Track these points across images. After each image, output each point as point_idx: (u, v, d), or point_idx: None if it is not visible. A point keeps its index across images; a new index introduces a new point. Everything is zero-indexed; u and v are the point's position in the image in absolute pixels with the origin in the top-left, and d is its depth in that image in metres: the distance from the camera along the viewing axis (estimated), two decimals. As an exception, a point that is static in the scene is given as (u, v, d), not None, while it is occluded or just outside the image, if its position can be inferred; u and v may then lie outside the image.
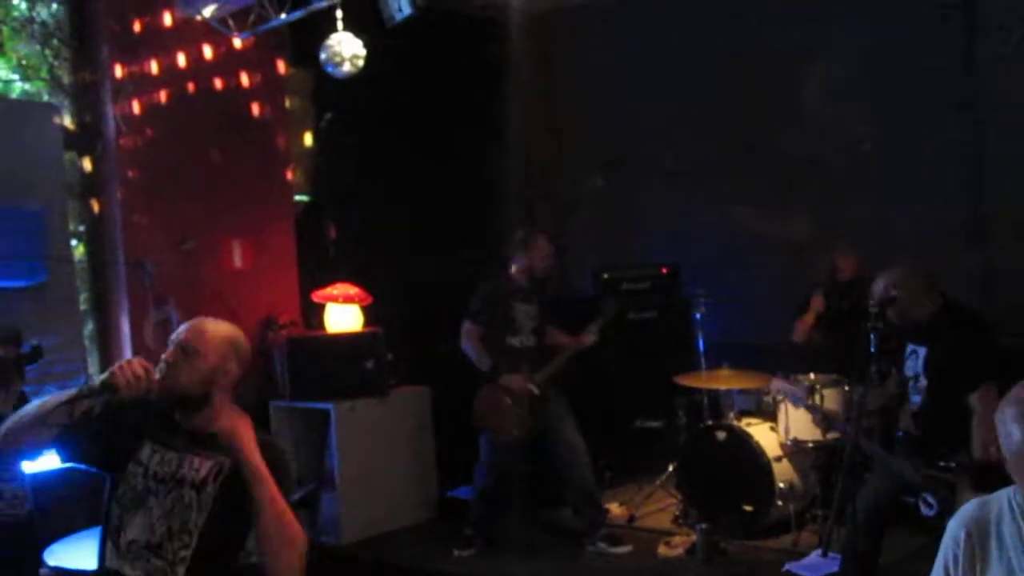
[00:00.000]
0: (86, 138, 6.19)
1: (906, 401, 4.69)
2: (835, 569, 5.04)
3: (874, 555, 4.52)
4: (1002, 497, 2.34)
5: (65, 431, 2.93)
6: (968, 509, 2.40)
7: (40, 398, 3.01)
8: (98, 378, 2.99)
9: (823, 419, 5.36)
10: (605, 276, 7.86)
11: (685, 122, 7.97)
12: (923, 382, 4.50)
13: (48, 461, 5.17)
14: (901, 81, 6.90)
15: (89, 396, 2.88)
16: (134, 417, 3.07)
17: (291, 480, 3.36)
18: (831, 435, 5.83)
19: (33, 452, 3.05)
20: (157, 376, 2.92)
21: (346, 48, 5.89)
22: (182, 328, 3.09)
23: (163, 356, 3.02)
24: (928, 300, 4.50)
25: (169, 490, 2.99)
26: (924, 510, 4.20)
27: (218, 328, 3.12)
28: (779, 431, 6.06)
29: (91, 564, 4.38)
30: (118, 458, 3.04)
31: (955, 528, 2.38)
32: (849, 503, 4.50)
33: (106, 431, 3.03)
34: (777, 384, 5.32)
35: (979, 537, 2.33)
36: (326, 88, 6.97)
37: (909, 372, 4.58)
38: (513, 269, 6.04)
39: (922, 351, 4.51)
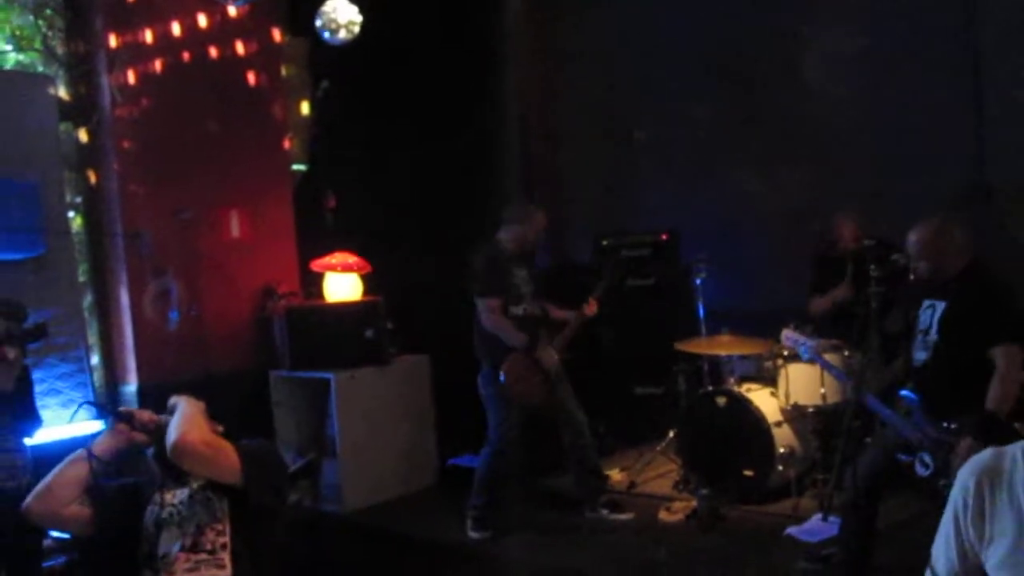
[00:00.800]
0: (81, 109, 6.16)
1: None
2: (835, 532, 5.06)
3: (873, 518, 4.52)
4: (1016, 450, 2.34)
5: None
6: (981, 459, 2.39)
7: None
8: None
9: (833, 372, 5.32)
10: (604, 243, 7.85)
11: (685, 89, 7.93)
12: (933, 337, 4.38)
13: (48, 434, 5.21)
14: (900, 47, 6.85)
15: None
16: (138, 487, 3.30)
17: (274, 473, 3.43)
18: (831, 400, 5.84)
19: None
20: None
21: (342, 14, 5.86)
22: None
23: None
24: (963, 255, 4.39)
25: (189, 504, 3.17)
26: (920, 469, 4.16)
27: None
28: (779, 396, 6.07)
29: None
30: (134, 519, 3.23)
31: (966, 477, 2.37)
32: (849, 467, 4.50)
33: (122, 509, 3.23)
34: (788, 334, 5.26)
35: (990, 487, 2.32)
36: (322, 56, 6.93)
37: (921, 325, 4.46)
38: (505, 236, 5.91)
39: (941, 305, 4.39)
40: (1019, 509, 2.26)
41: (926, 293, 4.49)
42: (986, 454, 2.40)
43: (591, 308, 6.03)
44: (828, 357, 5.72)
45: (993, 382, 4.10)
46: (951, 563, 2.41)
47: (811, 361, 5.31)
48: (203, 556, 3.09)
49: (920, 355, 4.47)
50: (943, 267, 4.39)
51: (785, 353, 6.02)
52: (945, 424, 4.13)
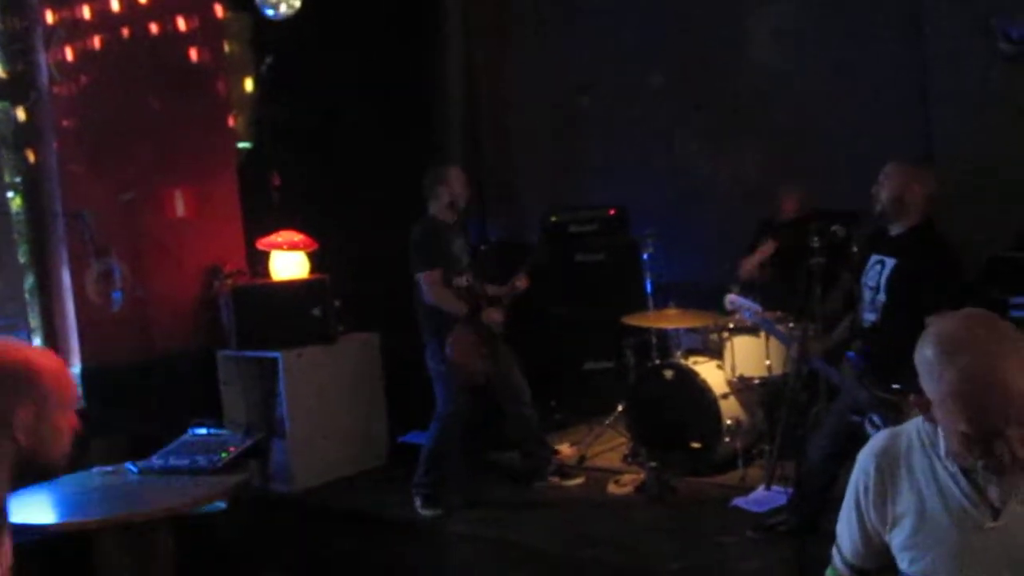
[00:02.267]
0: (18, 87, 6.02)
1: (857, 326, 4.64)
2: (781, 502, 5.14)
3: (829, 486, 4.54)
4: (910, 429, 2.33)
5: None
6: (878, 441, 2.39)
7: None
8: None
9: (776, 335, 5.36)
10: (552, 219, 7.86)
11: (634, 63, 7.95)
12: (881, 297, 4.40)
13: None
14: (848, 21, 6.92)
15: None
16: None
17: None
18: (777, 371, 5.91)
19: None
20: None
21: (283, -10, 5.80)
22: None
23: None
24: (925, 205, 4.40)
25: None
26: (870, 430, 4.18)
27: None
28: (726, 368, 6.13)
29: (38, 518, 4.38)
30: None
31: (865, 460, 2.37)
32: (798, 439, 4.54)
33: None
34: (732, 297, 5.31)
35: (889, 468, 2.32)
36: (266, 32, 6.85)
37: (870, 283, 4.47)
38: (436, 208, 5.90)
39: (890, 263, 4.40)
40: (919, 490, 2.27)
41: (874, 247, 4.49)
42: (882, 436, 2.41)
43: (523, 282, 6.03)
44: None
45: None
46: (855, 545, 2.43)
47: (755, 324, 5.36)
48: None
49: (869, 316, 4.49)
50: (903, 205, 4.38)
51: (731, 325, 6.09)
52: (895, 385, 4.15)
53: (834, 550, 2.50)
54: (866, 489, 2.35)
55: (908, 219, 4.41)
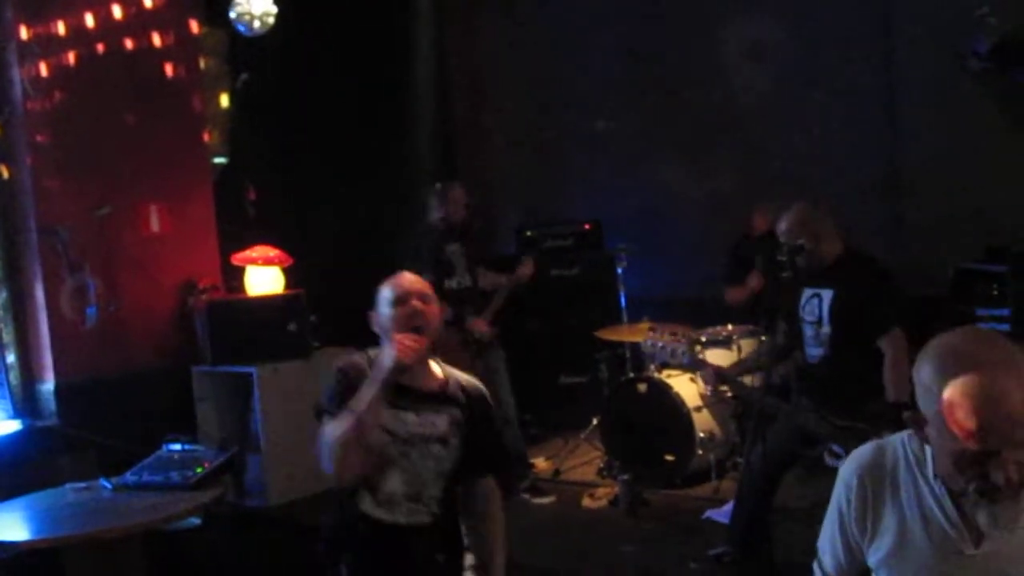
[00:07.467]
0: (-8, 103, 6.03)
1: (796, 351, 4.57)
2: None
3: (764, 507, 4.51)
4: (896, 443, 2.29)
5: None
6: (862, 454, 2.35)
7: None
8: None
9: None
10: (528, 233, 7.91)
11: (606, 80, 8.01)
12: (826, 329, 4.34)
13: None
14: (819, 38, 7.00)
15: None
16: None
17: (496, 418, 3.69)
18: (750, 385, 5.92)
19: None
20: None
21: (256, 6, 5.86)
22: (404, 282, 3.30)
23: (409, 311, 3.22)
24: (836, 239, 4.39)
25: (417, 449, 3.25)
26: (830, 461, 4.09)
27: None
28: (699, 382, 6.16)
29: (10, 535, 4.37)
30: None
31: (848, 473, 2.33)
32: (750, 454, 4.56)
33: None
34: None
35: (873, 483, 2.28)
36: (241, 48, 6.87)
37: (810, 317, 4.41)
38: (432, 217, 6.06)
39: (827, 294, 4.35)
40: (901, 509, 2.23)
41: (807, 281, 4.45)
42: (867, 450, 2.35)
43: (527, 268, 6.09)
44: (744, 343, 5.87)
45: (885, 372, 4.11)
46: (837, 559, 2.39)
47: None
48: (416, 507, 3.30)
49: (815, 351, 4.42)
50: (819, 252, 4.37)
51: (703, 339, 6.13)
52: (852, 412, 4.13)
53: (815, 565, 2.47)
54: (848, 503, 2.31)
55: (831, 252, 4.40)
